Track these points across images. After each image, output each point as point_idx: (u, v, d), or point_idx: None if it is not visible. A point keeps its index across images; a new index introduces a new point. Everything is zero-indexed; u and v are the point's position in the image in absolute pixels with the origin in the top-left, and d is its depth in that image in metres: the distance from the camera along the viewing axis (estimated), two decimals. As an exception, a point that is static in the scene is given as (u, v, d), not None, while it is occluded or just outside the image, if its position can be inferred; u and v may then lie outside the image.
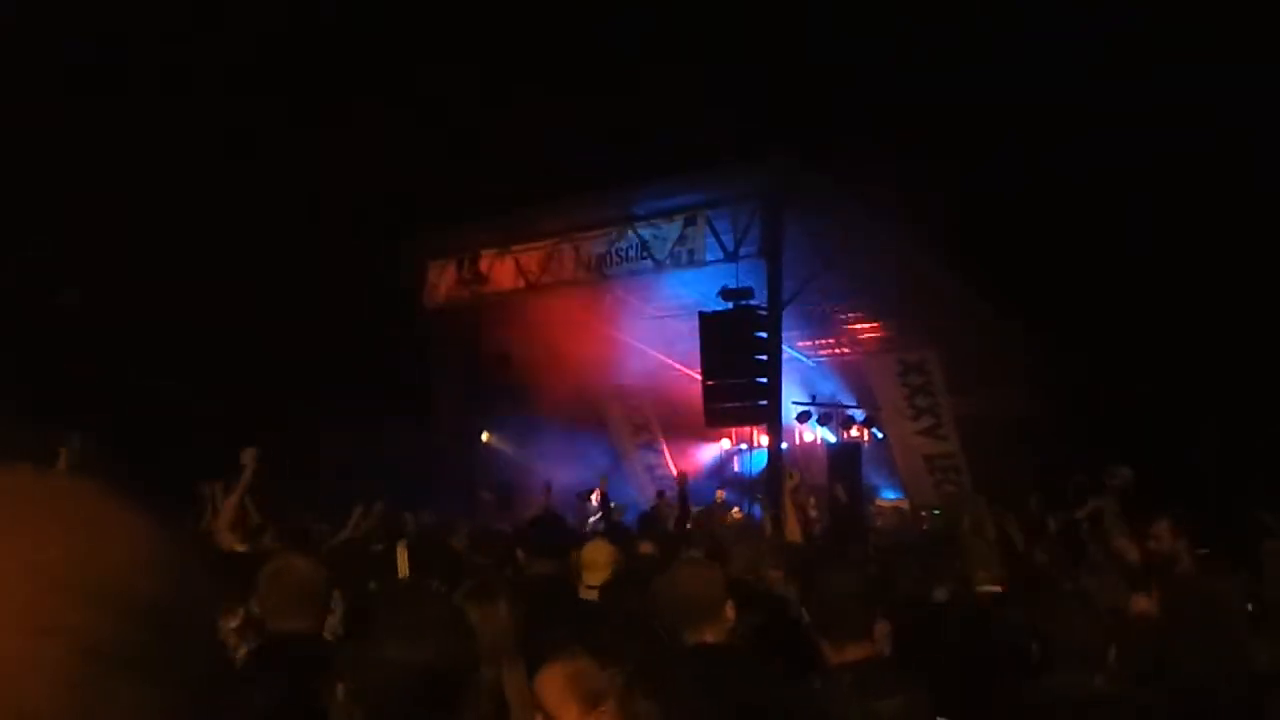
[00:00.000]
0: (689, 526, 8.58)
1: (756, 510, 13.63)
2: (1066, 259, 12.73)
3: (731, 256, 13.01)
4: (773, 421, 12.85)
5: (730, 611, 2.88)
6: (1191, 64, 12.27)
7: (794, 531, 5.33)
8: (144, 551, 0.51)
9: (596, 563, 4.12)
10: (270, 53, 13.39)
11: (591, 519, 12.47)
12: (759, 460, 15.90)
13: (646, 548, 5.53)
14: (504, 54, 14.18)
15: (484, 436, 16.85)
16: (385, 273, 15.15)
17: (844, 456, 15.71)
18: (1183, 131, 12.11)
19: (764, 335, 12.57)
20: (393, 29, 14.43)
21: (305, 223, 13.98)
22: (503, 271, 15.17)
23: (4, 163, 10.91)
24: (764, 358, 12.54)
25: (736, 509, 14.77)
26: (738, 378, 12.67)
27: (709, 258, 13.24)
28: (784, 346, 13.16)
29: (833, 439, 16.48)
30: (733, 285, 12.85)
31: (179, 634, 0.50)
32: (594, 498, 13.21)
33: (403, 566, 5.34)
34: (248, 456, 6.34)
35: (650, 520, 8.58)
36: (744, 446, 16.97)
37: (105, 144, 12.26)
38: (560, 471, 14.56)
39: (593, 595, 3.93)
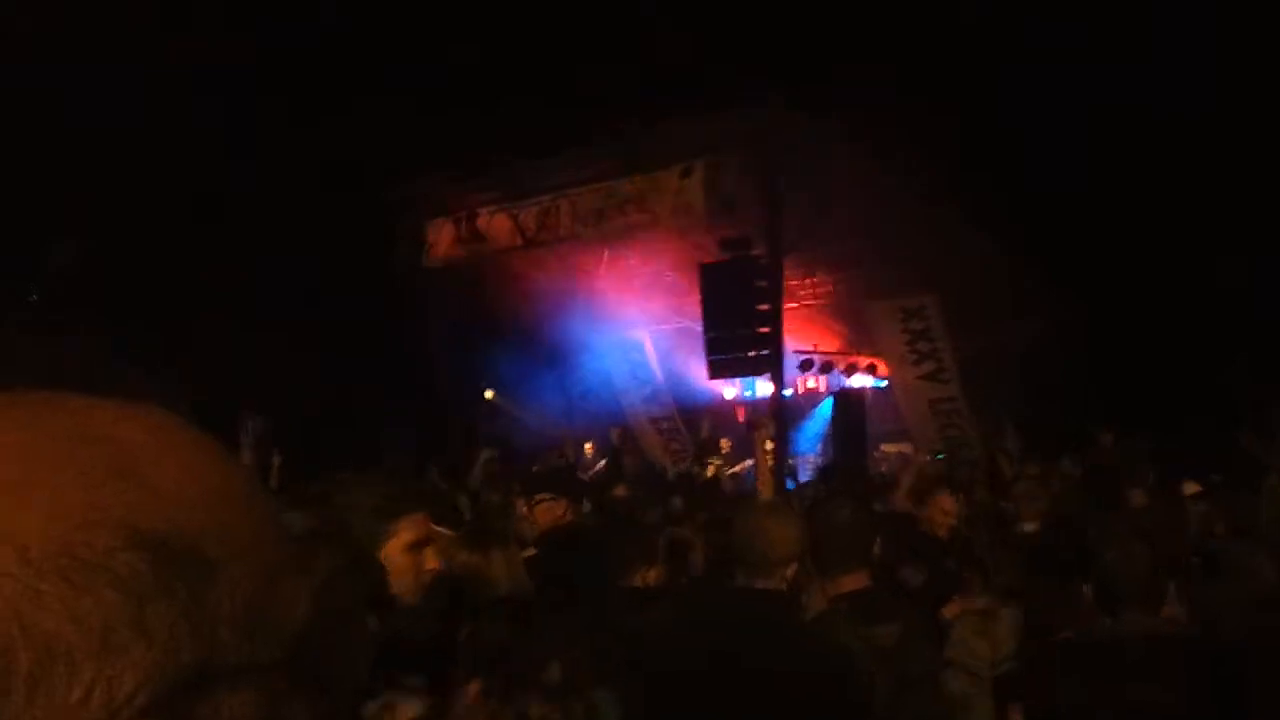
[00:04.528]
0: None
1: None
2: (1071, 192, 12.62)
3: (730, 206, 12.95)
4: (776, 371, 12.88)
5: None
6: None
7: (766, 484, 5.14)
8: (180, 484, 0.51)
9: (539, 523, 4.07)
10: (261, 7, 13.32)
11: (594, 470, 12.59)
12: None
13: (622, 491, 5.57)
14: (497, 7, 14.01)
15: (487, 394, 16.91)
16: (382, 233, 15.12)
17: (847, 404, 15.79)
18: (1186, 59, 11.92)
19: (765, 285, 12.57)
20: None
21: (300, 185, 13.93)
22: (500, 229, 15.14)
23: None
24: (765, 307, 12.53)
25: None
26: (739, 328, 12.68)
27: (707, 208, 13.19)
28: (785, 295, 13.16)
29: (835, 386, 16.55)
30: (731, 235, 12.82)
31: (211, 570, 0.50)
32: (588, 449, 13.34)
33: None
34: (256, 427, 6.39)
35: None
36: (749, 392, 17.06)
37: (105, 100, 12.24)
38: (564, 427, 14.66)
39: None
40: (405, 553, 2.32)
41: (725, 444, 15.70)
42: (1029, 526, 5.19)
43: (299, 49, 13.45)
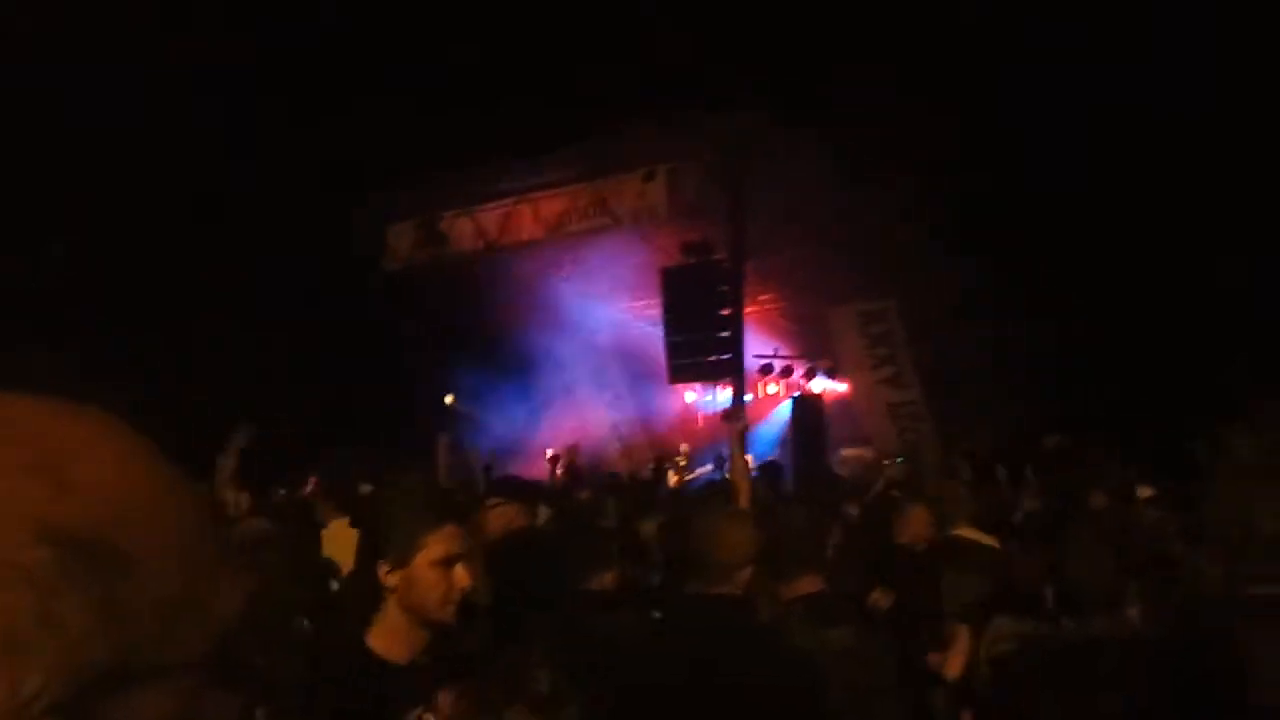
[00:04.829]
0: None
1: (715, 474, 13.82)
2: (1033, 203, 12.70)
3: (692, 211, 12.96)
4: (736, 375, 12.90)
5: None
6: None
7: (743, 492, 4.94)
8: (100, 483, 0.50)
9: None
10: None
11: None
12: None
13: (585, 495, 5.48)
14: (461, 9, 13.96)
15: (447, 399, 16.79)
16: (342, 238, 14.99)
17: (806, 408, 15.84)
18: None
19: (726, 289, 12.59)
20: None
21: (261, 190, 13.79)
22: (462, 232, 15.04)
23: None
24: (726, 312, 12.56)
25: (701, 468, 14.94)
26: (701, 333, 12.70)
27: (669, 213, 13.19)
28: (745, 300, 13.18)
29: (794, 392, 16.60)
30: (693, 240, 12.83)
31: (128, 564, 0.49)
32: (548, 454, 13.30)
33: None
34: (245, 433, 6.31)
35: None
36: (709, 398, 17.09)
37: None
38: (525, 433, 14.59)
39: None
40: (432, 568, 2.23)
41: (684, 448, 15.69)
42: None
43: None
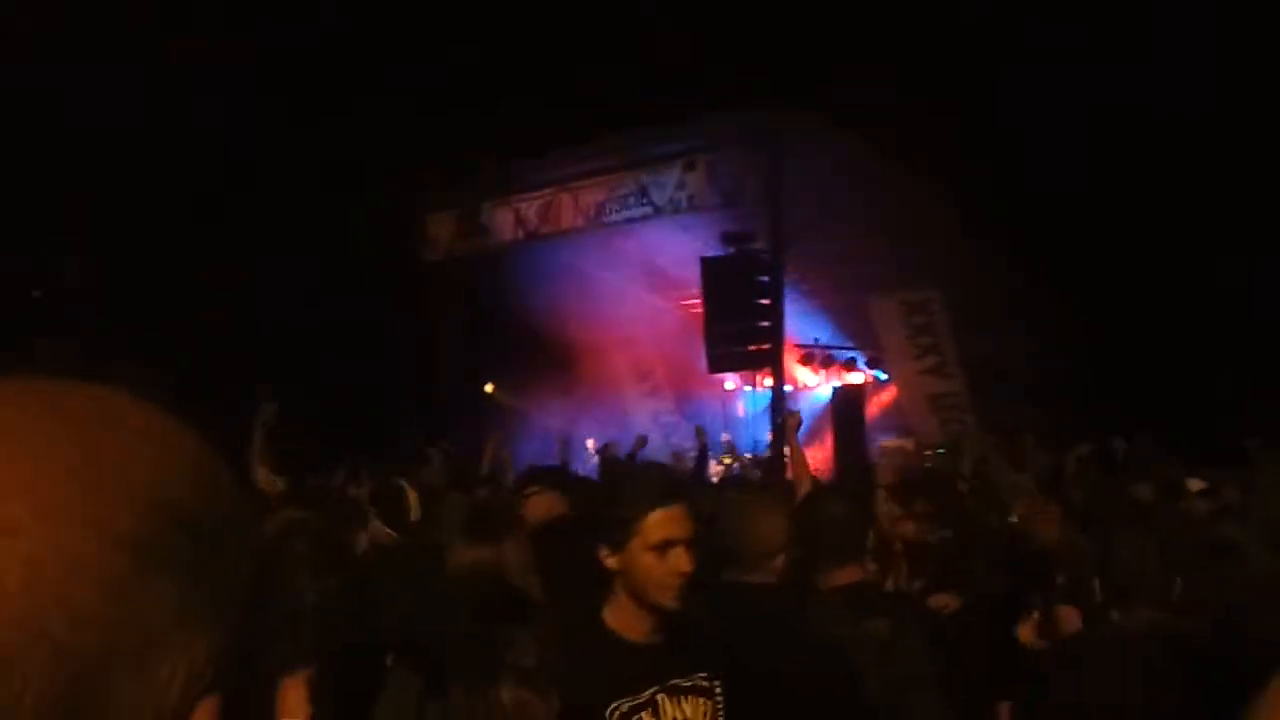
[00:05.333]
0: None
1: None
2: (1075, 196, 12.55)
3: (732, 200, 12.91)
4: (776, 365, 12.84)
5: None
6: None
7: (802, 479, 4.92)
8: (185, 463, 0.51)
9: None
10: (261, 7, 13.31)
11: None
12: (761, 402, 16.01)
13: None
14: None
15: (487, 388, 16.88)
16: (384, 227, 15.09)
17: (846, 399, 15.73)
18: (1186, 59, 11.85)
19: (766, 279, 12.52)
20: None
21: (302, 180, 13.91)
22: (503, 222, 15.11)
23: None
24: (766, 301, 12.49)
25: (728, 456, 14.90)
26: (740, 322, 12.64)
27: (709, 202, 13.16)
28: (786, 289, 13.11)
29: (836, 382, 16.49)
30: (733, 229, 12.78)
31: (222, 543, 0.50)
32: (589, 444, 13.31)
33: (415, 509, 5.41)
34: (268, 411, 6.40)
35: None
36: (748, 389, 17.04)
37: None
38: (564, 421, 14.60)
39: None
40: (648, 553, 2.19)
41: (725, 438, 15.65)
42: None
43: (299, 49, 13.44)
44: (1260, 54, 11.03)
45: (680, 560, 2.17)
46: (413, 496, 5.54)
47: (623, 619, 2.25)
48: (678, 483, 2.45)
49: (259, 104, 13.49)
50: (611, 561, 2.22)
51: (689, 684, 2.25)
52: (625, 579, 2.23)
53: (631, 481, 2.31)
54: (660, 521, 2.18)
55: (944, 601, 3.77)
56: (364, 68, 13.97)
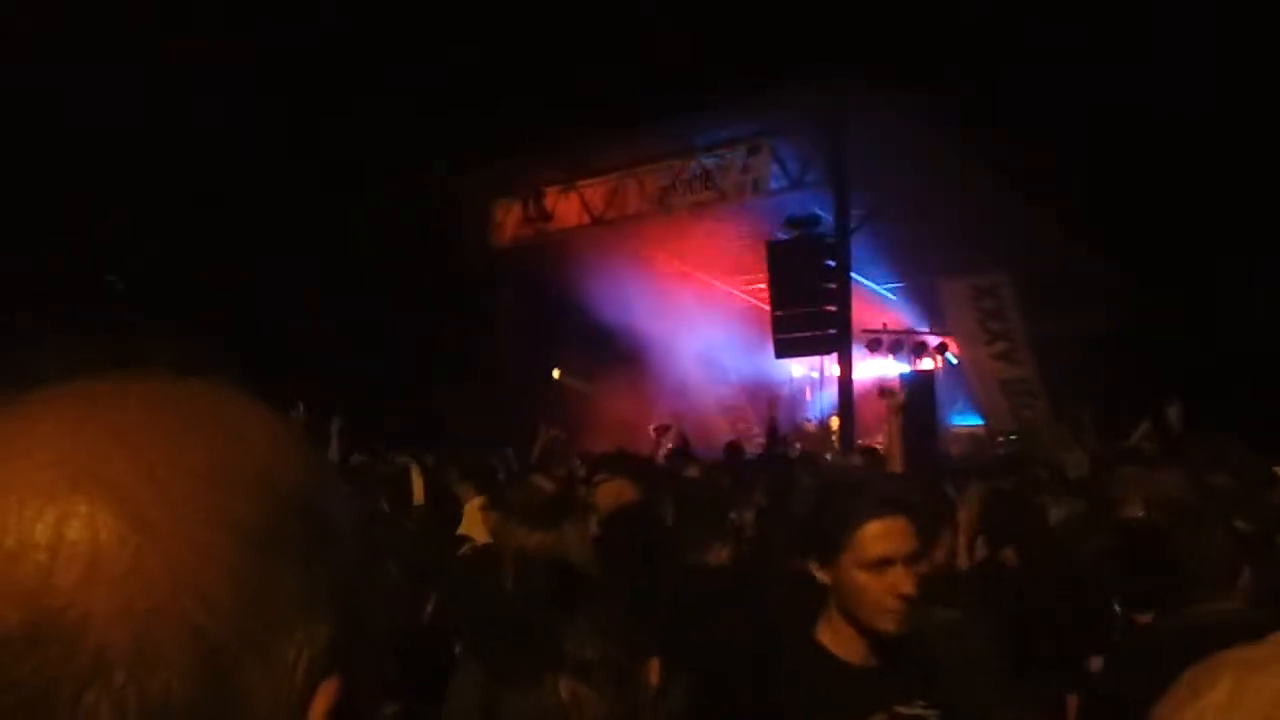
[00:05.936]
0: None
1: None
2: (1141, 178, 12.28)
3: (797, 184, 12.80)
4: (843, 350, 12.73)
5: None
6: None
7: (895, 458, 4.79)
8: (290, 450, 0.52)
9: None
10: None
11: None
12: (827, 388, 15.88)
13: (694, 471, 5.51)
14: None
15: (554, 373, 16.97)
16: (451, 213, 15.23)
17: (918, 384, 15.51)
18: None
19: (832, 263, 12.41)
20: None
21: (370, 166, 14.08)
22: (568, 208, 15.17)
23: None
24: (832, 286, 12.39)
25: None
26: (806, 307, 12.55)
27: (774, 186, 13.06)
28: (852, 274, 12.97)
29: (905, 367, 16.27)
30: (798, 213, 12.68)
31: (331, 527, 0.51)
32: (653, 430, 13.28)
33: (419, 492, 5.40)
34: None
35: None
36: (814, 375, 16.89)
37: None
38: (630, 407, 14.65)
39: None
40: (862, 570, 1.97)
41: (809, 427, 15.57)
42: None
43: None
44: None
45: (900, 580, 1.95)
46: (418, 479, 5.53)
47: (838, 639, 2.04)
48: (901, 491, 2.25)
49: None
50: (822, 575, 2.03)
51: (911, 713, 2.00)
52: (838, 596, 2.03)
53: (845, 487, 2.13)
54: (877, 535, 1.97)
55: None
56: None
